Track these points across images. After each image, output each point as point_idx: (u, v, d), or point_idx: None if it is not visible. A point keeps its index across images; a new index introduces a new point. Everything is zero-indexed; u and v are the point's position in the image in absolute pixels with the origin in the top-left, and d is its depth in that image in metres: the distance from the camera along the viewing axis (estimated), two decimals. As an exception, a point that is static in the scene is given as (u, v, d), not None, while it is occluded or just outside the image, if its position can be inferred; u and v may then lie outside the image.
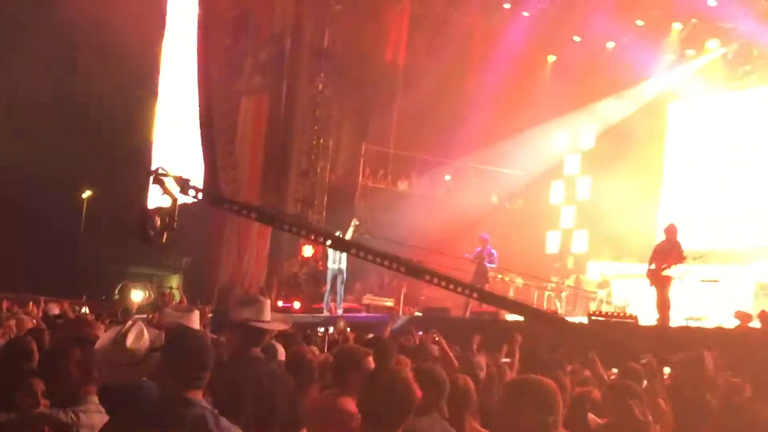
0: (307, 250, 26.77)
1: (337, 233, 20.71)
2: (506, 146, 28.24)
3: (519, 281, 25.01)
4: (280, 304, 23.75)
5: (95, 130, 35.19)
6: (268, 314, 6.08)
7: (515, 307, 12.43)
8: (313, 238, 10.32)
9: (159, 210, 9.75)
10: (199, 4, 31.28)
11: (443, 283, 9.88)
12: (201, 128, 30.39)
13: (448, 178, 30.27)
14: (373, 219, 25.61)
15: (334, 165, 28.71)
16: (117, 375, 5.23)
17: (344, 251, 10.48)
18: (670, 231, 17.41)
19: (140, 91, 36.89)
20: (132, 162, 37.25)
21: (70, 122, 35.22)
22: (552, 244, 29.39)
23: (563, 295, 23.86)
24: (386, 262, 9.68)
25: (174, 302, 23.62)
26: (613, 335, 11.49)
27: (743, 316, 16.69)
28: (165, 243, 9.96)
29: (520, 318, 18.87)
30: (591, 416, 5.91)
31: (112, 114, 34.74)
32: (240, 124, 29.20)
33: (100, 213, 40.65)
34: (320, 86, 28.01)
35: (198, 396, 4.42)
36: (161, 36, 37.21)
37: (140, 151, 37.33)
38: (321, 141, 28.13)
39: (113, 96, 33.84)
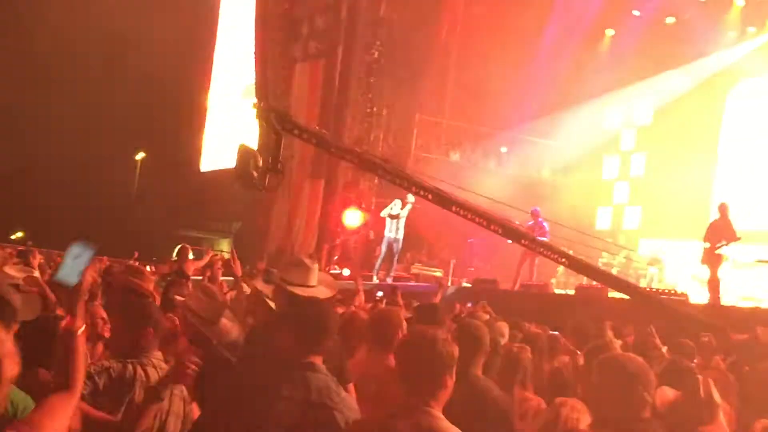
0: (352, 219, 26.75)
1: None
2: (561, 119, 28.08)
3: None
4: (331, 271, 23.82)
5: (151, 93, 35.41)
6: (314, 279, 6.09)
7: (604, 277, 12.17)
8: (421, 193, 9.94)
9: (260, 150, 9.27)
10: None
11: (540, 249, 9.75)
12: (256, 93, 30.50)
13: (504, 150, 30.12)
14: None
15: (387, 133, 28.66)
16: (201, 332, 5.33)
17: (446, 207, 10.14)
18: (723, 209, 17.27)
19: (197, 55, 37.12)
20: (186, 125, 37.54)
21: (127, 85, 35.53)
22: (603, 219, 29.20)
23: (614, 271, 23.71)
24: (485, 222, 9.48)
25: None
26: (689, 310, 11.39)
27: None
28: (269, 187, 9.29)
29: (570, 292, 18.94)
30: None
31: (168, 77, 34.93)
32: (295, 89, 29.22)
33: (153, 175, 41.00)
34: (375, 54, 27.91)
35: (320, 362, 4.49)
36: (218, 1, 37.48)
37: (195, 115, 37.61)
38: (375, 109, 28.07)
39: (170, 60, 34.04)
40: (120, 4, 35.13)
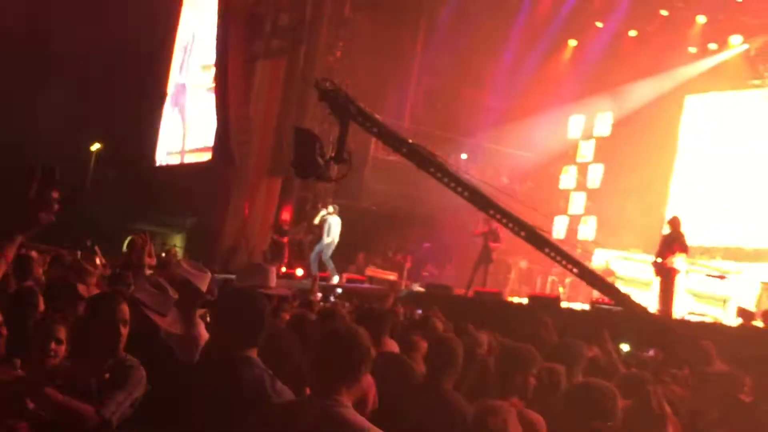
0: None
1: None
2: (521, 128, 28.14)
3: (523, 264, 24.96)
4: (283, 270, 23.70)
5: (107, 83, 35.08)
6: (273, 281, 6.11)
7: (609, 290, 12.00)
8: (459, 189, 9.71)
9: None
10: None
11: (558, 258, 9.61)
12: (216, 88, 30.29)
13: (464, 156, 30.14)
14: (382, 191, 25.55)
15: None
16: (150, 322, 5.28)
17: (481, 209, 9.97)
18: (673, 222, 17.36)
19: (156, 47, 36.81)
20: (142, 118, 37.22)
21: (83, 74, 35.14)
22: (559, 229, 29.27)
23: (567, 281, 23.75)
24: (510, 224, 9.33)
25: (176, 260, 23.69)
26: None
27: (746, 314, 16.64)
28: (336, 179, 8.64)
29: (523, 300, 18.95)
30: None
31: (126, 68, 34.65)
32: (255, 86, 29.04)
33: (106, 167, 40.64)
34: (338, 54, 27.84)
35: (254, 355, 4.43)
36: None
37: (151, 107, 37.30)
38: (334, 109, 27.96)
39: (129, 50, 33.74)
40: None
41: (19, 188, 2.93)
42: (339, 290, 16.69)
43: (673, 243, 16.96)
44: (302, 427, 3.81)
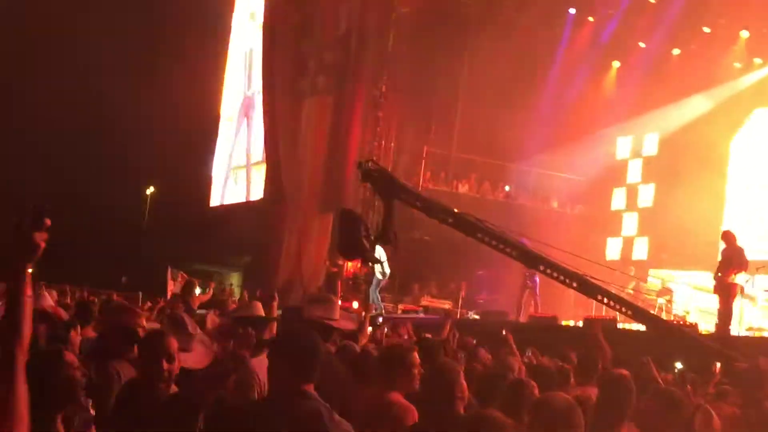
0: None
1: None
2: (568, 151, 28.21)
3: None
4: (339, 303, 23.81)
5: (161, 128, 35.61)
6: (337, 313, 6.25)
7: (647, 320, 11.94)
8: (507, 251, 9.63)
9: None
10: (265, 7, 31.67)
11: (611, 303, 9.56)
12: (265, 129, 30.69)
13: (507, 188, 30.25)
14: (433, 221, 25.65)
15: (396, 167, 28.75)
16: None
17: (531, 266, 9.92)
18: (727, 237, 17.22)
19: (205, 91, 37.34)
20: (194, 160, 37.74)
21: (140, 120, 35.75)
22: (612, 250, 29.20)
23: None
24: (561, 277, 9.30)
25: (233, 298, 23.95)
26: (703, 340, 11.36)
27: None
28: (376, 259, 8.63)
29: (578, 323, 18.93)
30: None
31: (178, 112, 35.16)
32: (303, 124, 29.37)
33: (162, 209, 41.17)
34: (383, 88, 28.08)
35: (311, 389, 4.57)
36: (227, 38, 37.73)
37: (204, 150, 37.83)
38: (383, 142, 28.21)
39: (180, 96, 34.22)
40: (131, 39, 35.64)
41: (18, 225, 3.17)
42: (380, 319, 16.78)
43: (730, 259, 16.84)
44: None
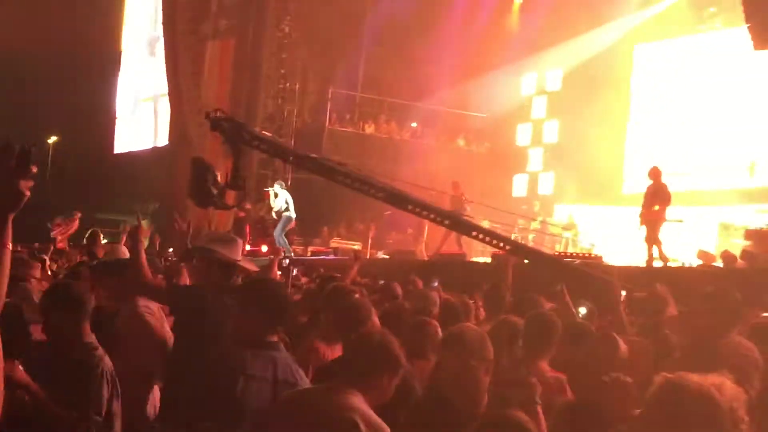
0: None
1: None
2: (473, 90, 28.31)
3: (485, 224, 25.12)
4: (248, 247, 23.77)
5: (60, 75, 34.86)
6: (239, 253, 6.20)
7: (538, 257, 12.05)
8: (373, 192, 9.61)
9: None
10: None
11: (487, 239, 9.66)
12: (167, 73, 30.20)
13: (414, 125, 30.31)
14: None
15: (301, 108, 28.62)
16: None
17: (399, 207, 9.92)
18: (654, 173, 17.54)
19: (104, 37, 36.60)
20: (97, 107, 37.05)
21: (39, 69, 34.93)
22: (519, 186, 29.52)
23: (530, 237, 23.99)
24: (437, 218, 9.33)
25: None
26: (588, 270, 11.53)
27: (706, 256, 16.93)
28: (233, 206, 8.78)
29: (487, 260, 19.15)
30: None
31: (76, 61, 34.44)
32: (206, 67, 29.00)
33: (66, 159, 40.45)
34: (287, 29, 27.82)
35: (277, 339, 4.66)
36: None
37: (104, 96, 37.14)
38: (287, 84, 28.00)
39: (78, 43, 33.51)
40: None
41: None
42: (286, 261, 16.75)
43: (655, 194, 17.20)
44: None
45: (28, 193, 2.92)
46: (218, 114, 8.45)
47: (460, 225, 9.38)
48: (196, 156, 8.99)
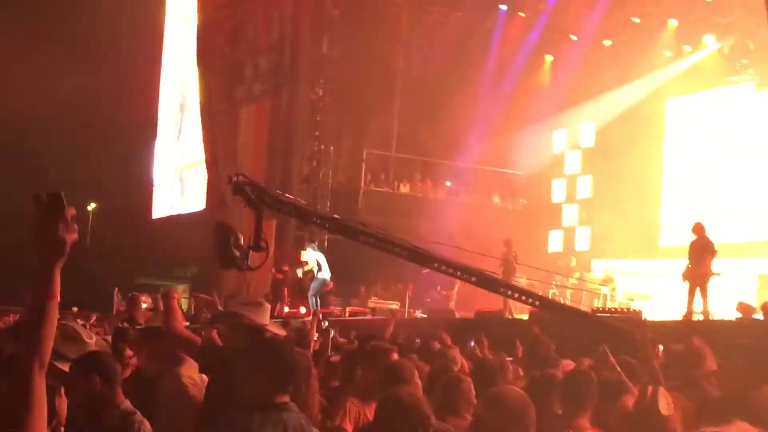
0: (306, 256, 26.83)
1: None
2: (506, 146, 28.45)
3: (523, 281, 25.07)
4: (286, 309, 23.84)
5: (97, 144, 35.35)
6: (266, 318, 6.25)
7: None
8: (397, 251, 9.72)
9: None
10: (198, 13, 31.48)
11: (516, 295, 9.72)
12: (204, 138, 30.55)
13: (448, 183, 30.45)
14: (376, 222, 25.69)
15: (336, 170, 28.82)
16: None
17: (425, 265, 10.01)
18: (698, 229, 17.53)
19: (140, 103, 37.09)
20: (135, 174, 37.48)
21: (76, 138, 35.41)
22: (555, 242, 29.48)
23: (567, 293, 23.89)
24: (461, 274, 9.38)
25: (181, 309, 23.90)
26: (621, 324, 11.49)
27: (746, 309, 16.80)
28: (255, 267, 8.96)
29: (524, 317, 19.10)
30: None
31: (115, 128, 34.92)
32: (242, 132, 29.32)
33: (105, 225, 40.86)
34: (320, 92, 28.13)
35: (288, 400, 4.56)
36: (160, 49, 37.48)
37: (143, 164, 37.60)
38: (322, 147, 28.24)
39: (116, 111, 34.01)
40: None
41: (32, 221, 2.84)
42: (325, 323, 16.81)
43: (702, 249, 17.20)
44: None
45: (71, 237, 2.83)
46: (240, 178, 8.64)
47: (487, 282, 9.38)
48: (219, 221, 9.16)
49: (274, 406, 4.47)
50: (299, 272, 23.47)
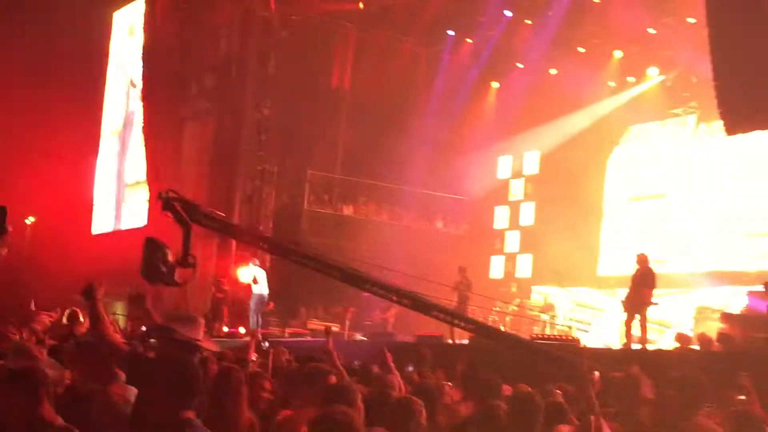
0: (245, 276, 26.58)
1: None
2: (451, 171, 28.52)
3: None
4: (225, 329, 23.64)
5: (41, 157, 34.88)
6: (200, 333, 6.16)
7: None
8: (324, 269, 9.67)
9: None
10: (144, 29, 31.26)
11: (449, 319, 9.69)
12: (147, 153, 30.27)
13: (392, 207, 30.49)
14: (318, 244, 25.64)
15: (280, 190, 28.70)
16: None
17: (358, 287, 9.94)
18: (641, 260, 17.82)
19: (84, 118, 36.69)
20: (74, 189, 37.02)
21: (15, 151, 34.91)
22: (496, 268, 29.56)
23: (507, 319, 23.98)
24: (395, 298, 9.35)
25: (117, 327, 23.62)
26: (558, 351, 11.53)
27: (683, 339, 16.97)
28: (181, 282, 8.92)
29: (465, 342, 19.10)
30: None
31: (56, 139, 34.47)
32: (185, 148, 29.09)
33: (44, 240, 40.27)
34: (266, 111, 27.99)
35: (192, 416, 4.45)
36: (105, 62, 37.14)
37: (82, 178, 37.15)
38: (266, 166, 28.10)
39: (58, 121, 33.60)
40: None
41: None
42: (266, 344, 16.69)
43: (643, 278, 17.43)
44: None
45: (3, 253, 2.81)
46: (170, 194, 8.61)
47: (421, 305, 9.36)
48: (148, 236, 9.12)
49: (176, 423, 4.36)
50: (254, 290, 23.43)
